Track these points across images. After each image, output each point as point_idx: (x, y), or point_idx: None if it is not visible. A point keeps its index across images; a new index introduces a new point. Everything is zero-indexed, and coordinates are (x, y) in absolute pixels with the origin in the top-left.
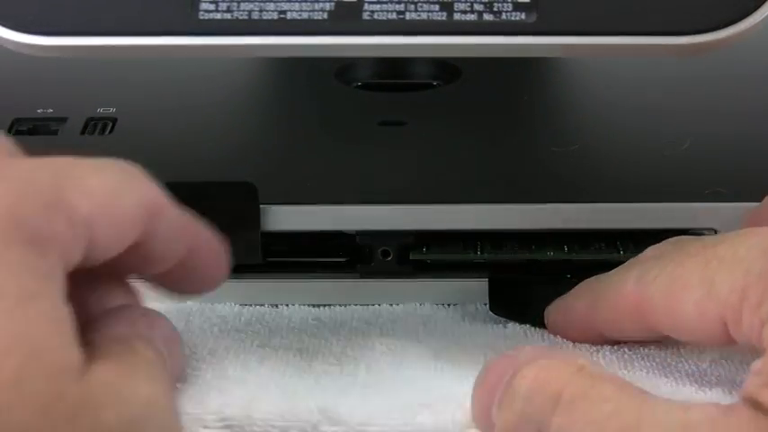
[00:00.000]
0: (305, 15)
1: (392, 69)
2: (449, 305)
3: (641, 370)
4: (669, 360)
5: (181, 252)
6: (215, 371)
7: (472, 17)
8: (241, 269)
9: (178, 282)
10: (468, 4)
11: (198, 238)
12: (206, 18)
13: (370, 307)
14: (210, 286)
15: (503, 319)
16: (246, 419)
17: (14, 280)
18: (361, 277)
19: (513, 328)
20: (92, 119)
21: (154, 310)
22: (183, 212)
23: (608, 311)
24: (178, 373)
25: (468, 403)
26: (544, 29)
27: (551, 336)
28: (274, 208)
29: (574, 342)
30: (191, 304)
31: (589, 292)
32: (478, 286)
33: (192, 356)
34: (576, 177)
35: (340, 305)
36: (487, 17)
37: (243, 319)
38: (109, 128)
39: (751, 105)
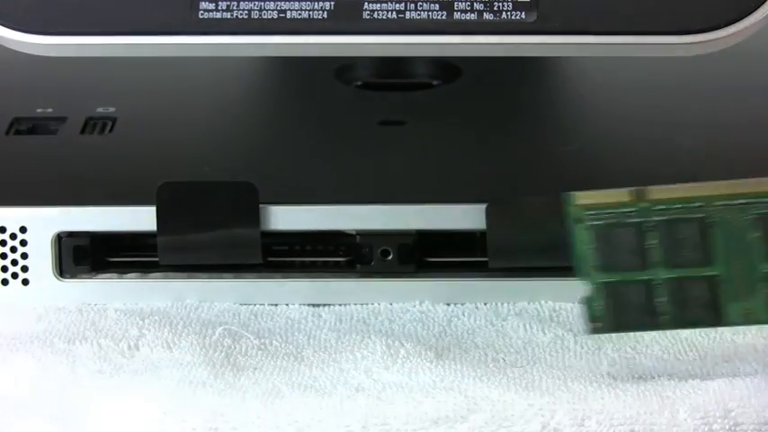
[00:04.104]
0: (305, 15)
1: (392, 69)
2: (448, 304)
3: None
4: None
5: None
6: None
7: (472, 16)
8: (241, 269)
9: None
10: (469, 3)
11: None
12: (206, 17)
13: (369, 306)
14: None
15: (502, 317)
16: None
17: None
18: (361, 277)
19: (513, 323)
20: (91, 118)
21: None
22: None
23: None
24: None
25: (471, 392)
26: (544, 28)
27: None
28: (274, 208)
29: None
30: (189, 302)
31: None
32: (478, 286)
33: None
34: (576, 177)
35: (339, 305)
36: (487, 16)
37: (241, 318)
38: (108, 127)
39: (752, 104)
